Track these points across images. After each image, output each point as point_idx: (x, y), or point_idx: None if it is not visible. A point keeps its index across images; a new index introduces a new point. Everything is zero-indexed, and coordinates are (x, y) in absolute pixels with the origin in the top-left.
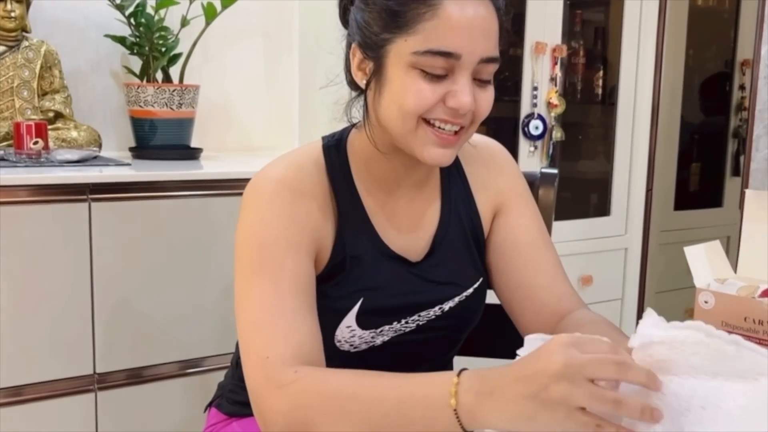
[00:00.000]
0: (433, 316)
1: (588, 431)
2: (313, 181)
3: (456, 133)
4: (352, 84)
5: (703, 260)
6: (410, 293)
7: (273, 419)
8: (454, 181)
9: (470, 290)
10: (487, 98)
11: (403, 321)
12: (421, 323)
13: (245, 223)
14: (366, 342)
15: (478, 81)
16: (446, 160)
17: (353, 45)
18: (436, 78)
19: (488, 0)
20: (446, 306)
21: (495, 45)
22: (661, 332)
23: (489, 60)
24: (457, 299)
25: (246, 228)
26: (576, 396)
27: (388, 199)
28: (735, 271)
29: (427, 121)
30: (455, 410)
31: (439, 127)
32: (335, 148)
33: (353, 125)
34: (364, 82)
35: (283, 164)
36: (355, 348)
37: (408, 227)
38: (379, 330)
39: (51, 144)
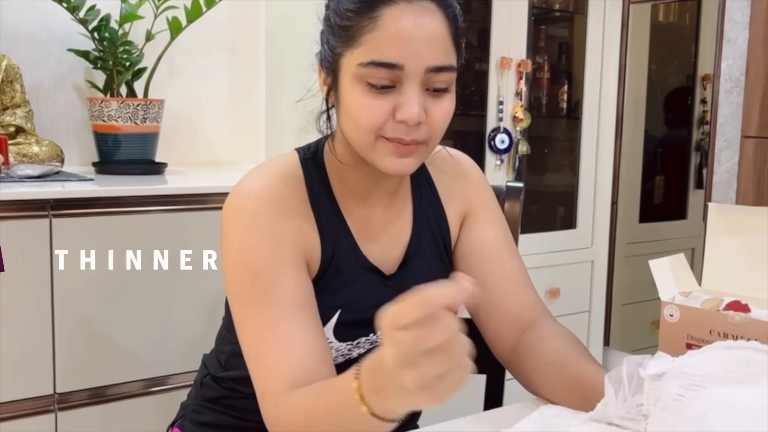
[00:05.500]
0: None
1: (462, 375)
2: (293, 193)
3: (418, 142)
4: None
5: (668, 273)
6: (387, 305)
7: None
8: (424, 191)
9: None
10: (441, 108)
11: (379, 332)
12: None
13: (230, 247)
14: (343, 355)
15: (432, 91)
16: (407, 169)
17: (319, 61)
18: (383, 90)
19: (437, 9)
20: None
21: (445, 53)
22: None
23: (438, 69)
24: None
25: (232, 253)
26: (423, 372)
27: (364, 209)
28: (700, 284)
29: (385, 137)
30: (373, 414)
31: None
32: (312, 161)
33: (326, 137)
34: (326, 94)
35: (262, 178)
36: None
37: (384, 237)
38: (356, 342)
39: (11, 159)
